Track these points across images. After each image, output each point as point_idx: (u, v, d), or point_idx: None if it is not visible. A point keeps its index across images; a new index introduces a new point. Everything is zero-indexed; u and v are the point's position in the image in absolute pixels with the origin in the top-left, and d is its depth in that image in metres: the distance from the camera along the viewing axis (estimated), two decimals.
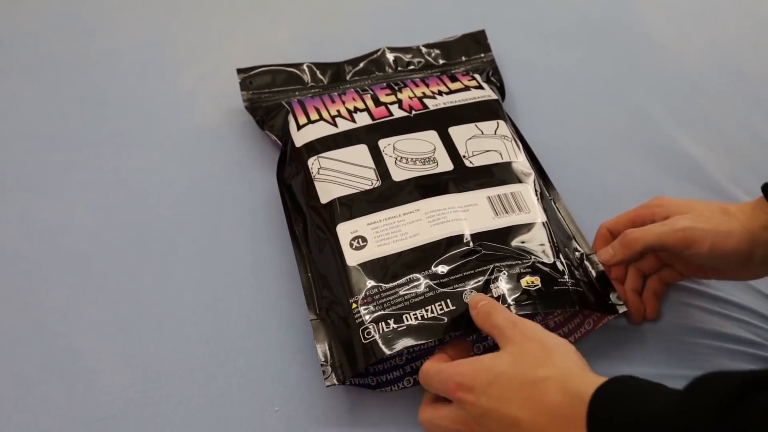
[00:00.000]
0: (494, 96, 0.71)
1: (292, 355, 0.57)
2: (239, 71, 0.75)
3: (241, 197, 0.68)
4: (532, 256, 0.56)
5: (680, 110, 0.77)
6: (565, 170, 0.68)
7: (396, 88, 0.71)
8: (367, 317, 0.53)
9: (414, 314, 0.52)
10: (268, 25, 0.88)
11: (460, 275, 0.54)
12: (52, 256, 0.64)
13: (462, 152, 0.64)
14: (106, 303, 0.61)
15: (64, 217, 0.67)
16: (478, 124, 0.66)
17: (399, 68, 0.77)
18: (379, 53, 0.78)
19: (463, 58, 0.79)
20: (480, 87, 0.72)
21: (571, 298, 0.54)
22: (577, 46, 0.85)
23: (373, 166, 0.62)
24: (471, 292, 0.53)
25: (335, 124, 0.66)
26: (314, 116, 0.68)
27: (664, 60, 0.83)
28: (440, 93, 0.70)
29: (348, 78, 0.76)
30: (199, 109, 0.75)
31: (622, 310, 0.56)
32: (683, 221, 0.54)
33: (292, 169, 0.65)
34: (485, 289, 0.53)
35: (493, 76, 0.76)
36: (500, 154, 0.64)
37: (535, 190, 0.61)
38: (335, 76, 0.76)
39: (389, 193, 0.60)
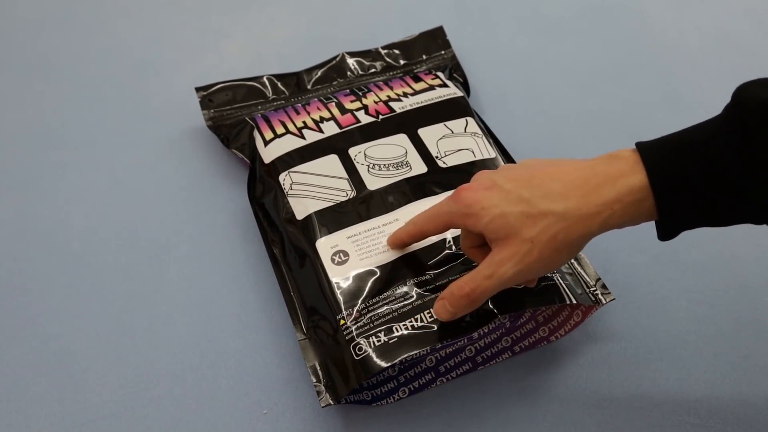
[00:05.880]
0: (460, 93, 0.70)
1: (281, 357, 0.57)
2: (198, 90, 0.73)
3: (235, 197, 0.68)
4: None
5: (680, 95, 0.76)
6: None
7: (360, 93, 0.70)
8: (356, 332, 0.52)
9: (404, 324, 0.52)
10: (265, 23, 0.87)
11: (446, 281, 0.53)
12: (46, 255, 0.65)
13: (434, 153, 0.63)
14: (98, 303, 0.61)
15: (58, 217, 0.68)
16: (447, 123, 0.66)
17: (360, 73, 0.76)
18: (338, 59, 0.77)
19: (424, 57, 0.78)
20: (444, 85, 0.71)
21: (559, 293, 0.54)
22: (574, 36, 0.84)
23: (347, 176, 0.61)
24: None
25: (303, 137, 0.65)
26: (280, 130, 0.66)
27: (664, 45, 0.82)
28: (405, 95, 0.69)
29: (310, 87, 0.74)
30: (195, 109, 0.74)
31: (609, 299, 0.56)
32: (509, 269, 0.46)
33: (264, 187, 0.63)
34: None
35: (455, 72, 0.76)
36: (473, 152, 0.63)
37: None
38: (297, 87, 0.74)
39: (366, 204, 0.59)
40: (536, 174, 0.46)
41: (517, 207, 0.45)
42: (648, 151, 0.43)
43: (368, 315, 0.52)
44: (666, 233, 0.44)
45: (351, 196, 0.60)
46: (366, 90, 0.70)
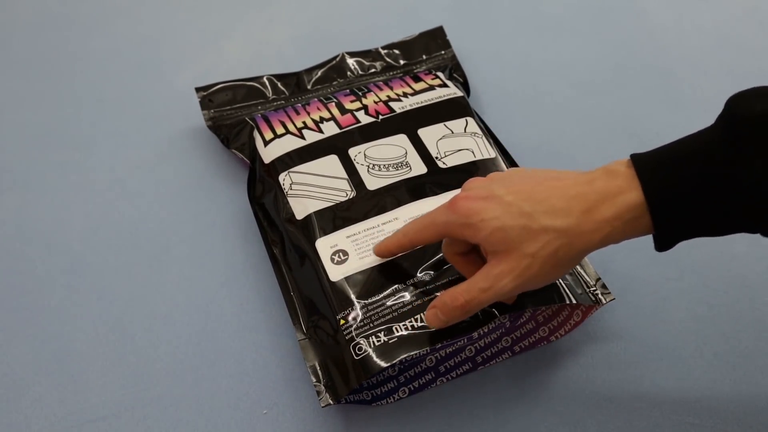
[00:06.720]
0: (459, 93, 0.70)
1: (281, 357, 0.57)
2: (198, 90, 0.73)
3: (235, 197, 0.68)
4: None
5: (680, 95, 0.76)
6: (557, 165, 0.67)
7: (360, 93, 0.70)
8: (356, 332, 0.52)
9: (404, 324, 0.52)
10: (265, 23, 0.87)
11: (445, 281, 0.53)
12: (46, 255, 0.65)
13: (434, 154, 0.63)
14: (98, 303, 0.61)
15: (58, 217, 0.68)
16: (447, 123, 0.66)
17: (360, 73, 0.76)
18: (338, 59, 0.77)
19: (424, 57, 0.78)
20: (444, 85, 0.71)
21: (559, 293, 0.54)
22: (574, 36, 0.84)
23: (346, 176, 0.61)
24: None
25: (303, 137, 0.65)
26: (280, 130, 0.66)
27: (664, 45, 0.82)
28: (405, 95, 0.69)
29: (310, 87, 0.74)
30: (195, 109, 0.74)
31: (609, 299, 0.56)
32: (508, 283, 0.45)
33: (264, 187, 0.64)
34: None
35: (455, 72, 0.76)
36: (473, 152, 0.63)
37: None
38: (297, 87, 0.74)
39: (366, 203, 0.59)
40: (536, 187, 0.46)
41: (518, 221, 0.45)
42: (643, 166, 0.43)
43: (368, 315, 0.52)
44: (662, 245, 0.45)
45: (351, 197, 0.60)
46: (366, 90, 0.70)
